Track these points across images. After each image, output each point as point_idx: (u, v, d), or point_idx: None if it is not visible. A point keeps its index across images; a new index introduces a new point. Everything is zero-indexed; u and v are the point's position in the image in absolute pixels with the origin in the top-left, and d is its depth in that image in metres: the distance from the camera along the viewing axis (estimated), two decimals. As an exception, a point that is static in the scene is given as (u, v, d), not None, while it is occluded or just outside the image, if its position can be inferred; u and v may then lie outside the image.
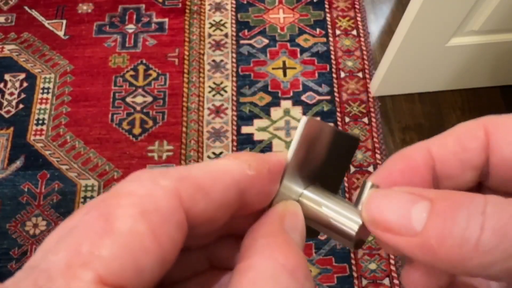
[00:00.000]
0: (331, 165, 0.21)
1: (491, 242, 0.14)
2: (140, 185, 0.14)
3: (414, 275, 0.18)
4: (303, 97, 1.13)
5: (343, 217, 0.19)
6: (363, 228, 0.18)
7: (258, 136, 1.09)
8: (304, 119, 0.18)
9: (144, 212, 0.13)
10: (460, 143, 0.18)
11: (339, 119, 1.11)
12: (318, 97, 1.13)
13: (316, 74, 1.16)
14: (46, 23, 1.22)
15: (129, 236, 0.13)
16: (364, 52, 1.19)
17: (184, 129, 1.10)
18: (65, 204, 1.02)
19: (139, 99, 1.13)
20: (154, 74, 1.16)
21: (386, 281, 0.96)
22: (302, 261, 0.16)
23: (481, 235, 0.14)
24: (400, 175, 0.18)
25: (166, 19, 1.23)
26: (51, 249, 0.13)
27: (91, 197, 1.03)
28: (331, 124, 0.24)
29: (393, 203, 0.16)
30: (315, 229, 0.20)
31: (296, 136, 0.19)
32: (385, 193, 0.17)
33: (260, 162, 0.17)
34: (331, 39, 1.20)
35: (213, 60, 1.18)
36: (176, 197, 0.14)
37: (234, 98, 1.13)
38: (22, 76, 1.15)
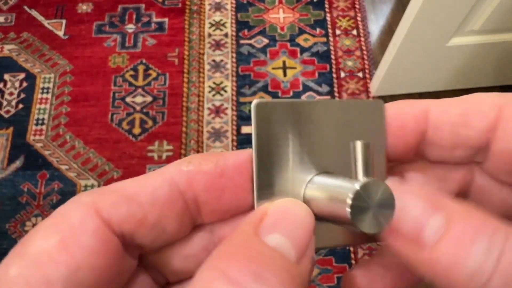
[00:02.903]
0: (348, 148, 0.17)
1: (500, 283, 0.13)
2: (62, 208, 0.15)
3: (359, 280, 0.17)
4: (303, 97, 1.13)
5: (339, 189, 0.15)
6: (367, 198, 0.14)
7: (258, 136, 1.09)
8: (253, 103, 0.16)
9: (56, 228, 0.14)
10: (465, 116, 0.16)
11: (339, 119, 1.11)
12: (318, 97, 1.13)
13: (316, 74, 1.16)
14: (45, 22, 1.21)
15: (38, 253, 0.14)
16: (364, 52, 1.18)
17: (184, 129, 1.10)
18: (64, 204, 1.02)
19: (139, 99, 1.13)
20: (154, 74, 1.16)
21: (387, 281, 0.96)
22: (257, 264, 0.13)
23: (493, 273, 0.13)
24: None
25: (166, 19, 1.22)
26: None
27: (91, 197, 1.03)
28: (306, 99, 0.24)
29: (409, 209, 0.15)
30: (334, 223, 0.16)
31: (252, 127, 0.16)
32: (400, 195, 0.15)
33: (205, 157, 0.16)
34: (331, 39, 1.20)
35: (213, 60, 1.18)
36: (90, 208, 0.15)
37: (234, 98, 1.13)
38: (22, 76, 1.15)
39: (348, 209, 0.14)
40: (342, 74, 1.16)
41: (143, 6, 1.24)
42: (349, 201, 0.14)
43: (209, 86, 1.15)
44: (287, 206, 0.15)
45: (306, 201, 0.16)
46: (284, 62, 1.17)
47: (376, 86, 1.10)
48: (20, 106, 1.12)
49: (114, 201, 0.15)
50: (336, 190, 0.15)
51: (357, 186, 0.14)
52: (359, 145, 0.16)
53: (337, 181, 0.16)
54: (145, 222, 0.15)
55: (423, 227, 0.14)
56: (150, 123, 1.10)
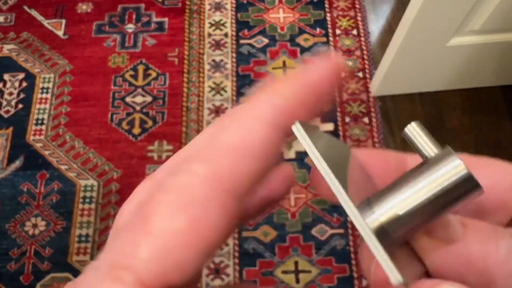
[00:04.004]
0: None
1: None
2: (176, 180, 0.14)
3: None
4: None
5: (435, 176, 0.14)
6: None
7: (258, 136, 1.09)
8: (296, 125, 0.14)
9: (182, 207, 0.13)
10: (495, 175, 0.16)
11: (339, 119, 1.11)
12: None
13: (316, 74, 1.16)
14: (45, 22, 1.21)
15: (167, 234, 0.13)
16: (365, 52, 1.18)
17: (184, 129, 1.10)
18: (64, 204, 1.02)
19: (139, 99, 1.13)
20: (154, 74, 1.15)
21: (387, 282, 0.96)
22: None
23: None
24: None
25: (166, 19, 1.22)
26: (106, 247, 0.14)
27: (91, 197, 1.03)
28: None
29: None
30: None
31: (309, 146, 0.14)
32: None
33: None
34: (331, 38, 1.20)
35: (213, 60, 1.18)
36: (214, 182, 0.14)
37: (234, 98, 1.13)
38: (22, 76, 1.15)
39: (468, 175, 0.14)
40: (342, 74, 1.16)
41: (143, 6, 1.24)
42: (464, 170, 0.14)
43: (209, 86, 1.15)
44: None
45: (383, 226, 0.15)
46: (284, 62, 1.17)
47: (376, 86, 1.10)
48: (20, 106, 1.12)
49: (231, 167, 0.14)
50: (433, 179, 0.14)
51: (458, 159, 0.14)
52: (414, 125, 0.15)
53: (417, 177, 0.14)
54: (263, 174, 0.15)
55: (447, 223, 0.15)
56: (150, 123, 1.10)
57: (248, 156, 0.14)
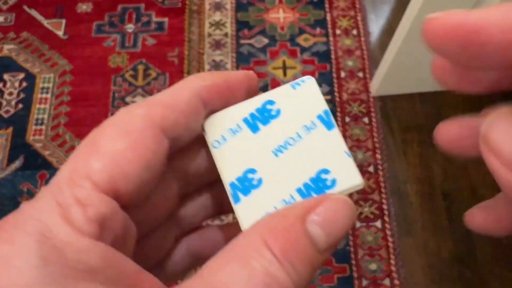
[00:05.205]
0: None
1: None
2: (118, 117, 0.18)
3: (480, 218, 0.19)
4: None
5: None
6: None
7: (258, 136, 1.09)
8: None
9: (123, 134, 0.18)
10: None
11: (339, 118, 1.11)
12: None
13: (316, 74, 1.16)
14: (45, 22, 1.21)
15: (113, 152, 0.17)
16: (365, 52, 1.18)
17: (184, 129, 1.10)
18: (64, 204, 1.02)
19: (139, 99, 1.13)
20: (154, 74, 1.15)
21: (387, 282, 0.96)
22: (291, 246, 0.16)
23: None
24: None
25: (166, 19, 1.22)
26: (58, 173, 0.18)
27: (91, 197, 1.03)
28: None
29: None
30: None
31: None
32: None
33: (214, 74, 0.21)
34: (331, 38, 1.20)
35: (213, 60, 1.18)
36: (148, 118, 0.18)
37: (234, 98, 1.13)
38: (21, 76, 1.15)
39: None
40: (343, 74, 1.16)
41: (143, 6, 1.24)
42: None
43: (209, 86, 1.14)
44: (338, 206, 0.17)
45: None
46: (284, 62, 1.17)
47: (376, 86, 1.10)
48: (20, 106, 1.12)
49: (162, 111, 0.18)
50: None
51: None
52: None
53: None
54: (187, 127, 0.19)
55: None
56: (150, 123, 1.10)
57: (175, 109, 0.19)
